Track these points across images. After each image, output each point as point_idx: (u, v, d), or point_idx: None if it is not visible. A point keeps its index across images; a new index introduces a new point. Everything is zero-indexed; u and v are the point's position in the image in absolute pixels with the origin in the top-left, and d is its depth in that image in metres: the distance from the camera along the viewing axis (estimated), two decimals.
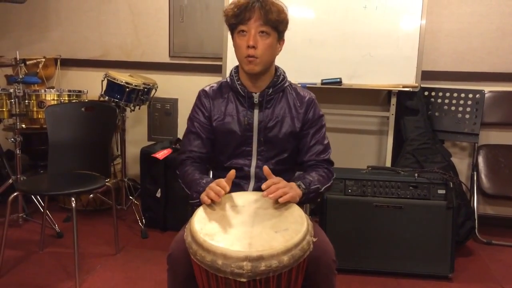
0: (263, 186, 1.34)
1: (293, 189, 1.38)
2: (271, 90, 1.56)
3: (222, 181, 1.37)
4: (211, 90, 1.62)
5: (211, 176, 1.80)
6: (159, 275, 2.34)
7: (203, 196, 1.35)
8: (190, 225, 1.24)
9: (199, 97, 1.62)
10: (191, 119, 1.61)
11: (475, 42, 3.08)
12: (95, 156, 2.61)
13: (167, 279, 1.43)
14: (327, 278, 1.39)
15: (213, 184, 1.37)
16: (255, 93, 1.56)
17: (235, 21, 1.46)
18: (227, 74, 1.64)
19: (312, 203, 1.55)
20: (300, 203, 1.44)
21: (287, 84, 1.61)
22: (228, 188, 1.37)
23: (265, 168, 1.41)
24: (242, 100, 1.57)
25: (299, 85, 1.67)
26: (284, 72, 1.62)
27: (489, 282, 2.38)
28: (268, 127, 1.56)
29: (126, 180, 3.17)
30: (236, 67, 1.59)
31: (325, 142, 1.61)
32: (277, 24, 1.45)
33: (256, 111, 1.57)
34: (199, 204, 1.40)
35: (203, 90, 1.63)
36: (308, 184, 1.45)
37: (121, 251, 2.63)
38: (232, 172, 1.39)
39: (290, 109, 1.58)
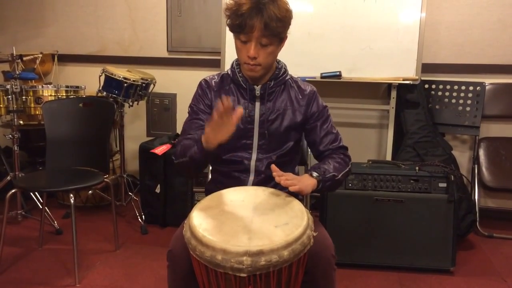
0: (274, 173, 1.34)
1: (302, 182, 1.37)
2: (272, 83, 1.55)
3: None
4: (212, 81, 1.60)
5: (210, 169, 1.78)
6: (159, 271, 2.33)
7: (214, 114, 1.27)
8: (189, 220, 1.23)
9: (200, 87, 1.61)
10: (192, 107, 1.60)
11: (476, 34, 3.06)
12: (94, 152, 2.60)
13: (167, 275, 1.42)
14: (327, 274, 1.38)
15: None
16: (257, 85, 1.54)
17: (236, 30, 1.44)
18: (226, 68, 1.62)
19: (331, 191, 1.54)
20: (318, 192, 1.44)
21: (288, 77, 1.60)
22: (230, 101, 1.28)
23: (273, 166, 1.39)
24: (243, 93, 1.56)
25: (299, 78, 1.66)
26: (285, 65, 1.61)
27: (491, 275, 2.37)
28: (269, 120, 1.55)
29: (125, 176, 3.16)
30: (238, 59, 1.58)
31: (334, 131, 1.61)
32: (278, 32, 1.43)
33: (257, 104, 1.56)
34: (199, 153, 1.36)
35: (204, 80, 1.61)
36: (323, 173, 1.44)
37: (121, 247, 2.62)
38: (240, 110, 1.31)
39: (292, 102, 1.58)
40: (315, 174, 1.43)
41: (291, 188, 1.32)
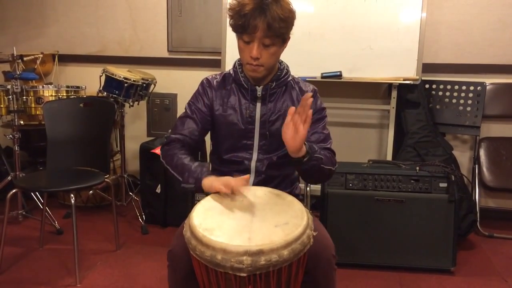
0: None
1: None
2: (274, 84, 1.55)
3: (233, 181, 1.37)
4: (214, 80, 1.60)
5: (210, 169, 1.79)
6: (160, 271, 2.33)
7: (219, 186, 1.35)
8: (189, 220, 1.23)
9: (202, 85, 1.61)
10: (189, 105, 1.60)
11: (476, 34, 3.06)
12: (94, 152, 2.60)
13: (168, 275, 1.42)
14: (327, 274, 1.38)
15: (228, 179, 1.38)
16: (258, 86, 1.54)
17: (239, 30, 1.44)
18: (226, 69, 1.62)
19: (311, 177, 1.49)
20: (301, 167, 1.40)
21: (290, 78, 1.60)
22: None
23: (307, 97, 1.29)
24: (245, 93, 1.56)
25: (300, 79, 1.66)
26: (288, 66, 1.61)
27: (491, 275, 2.37)
28: (270, 121, 1.55)
29: (125, 176, 3.16)
30: (240, 59, 1.58)
31: (326, 132, 1.58)
32: (281, 33, 1.42)
33: (258, 104, 1.55)
34: (194, 189, 1.40)
35: (206, 79, 1.61)
36: (313, 151, 1.39)
37: (121, 247, 2.62)
38: (247, 177, 1.39)
39: (293, 103, 1.57)
40: (306, 145, 1.37)
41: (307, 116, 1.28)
